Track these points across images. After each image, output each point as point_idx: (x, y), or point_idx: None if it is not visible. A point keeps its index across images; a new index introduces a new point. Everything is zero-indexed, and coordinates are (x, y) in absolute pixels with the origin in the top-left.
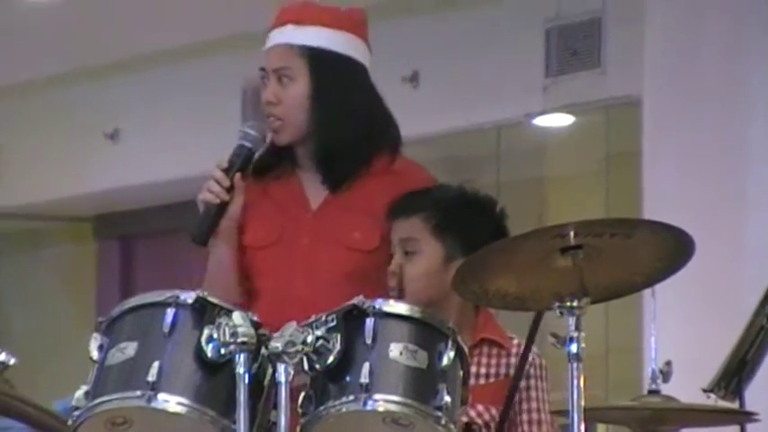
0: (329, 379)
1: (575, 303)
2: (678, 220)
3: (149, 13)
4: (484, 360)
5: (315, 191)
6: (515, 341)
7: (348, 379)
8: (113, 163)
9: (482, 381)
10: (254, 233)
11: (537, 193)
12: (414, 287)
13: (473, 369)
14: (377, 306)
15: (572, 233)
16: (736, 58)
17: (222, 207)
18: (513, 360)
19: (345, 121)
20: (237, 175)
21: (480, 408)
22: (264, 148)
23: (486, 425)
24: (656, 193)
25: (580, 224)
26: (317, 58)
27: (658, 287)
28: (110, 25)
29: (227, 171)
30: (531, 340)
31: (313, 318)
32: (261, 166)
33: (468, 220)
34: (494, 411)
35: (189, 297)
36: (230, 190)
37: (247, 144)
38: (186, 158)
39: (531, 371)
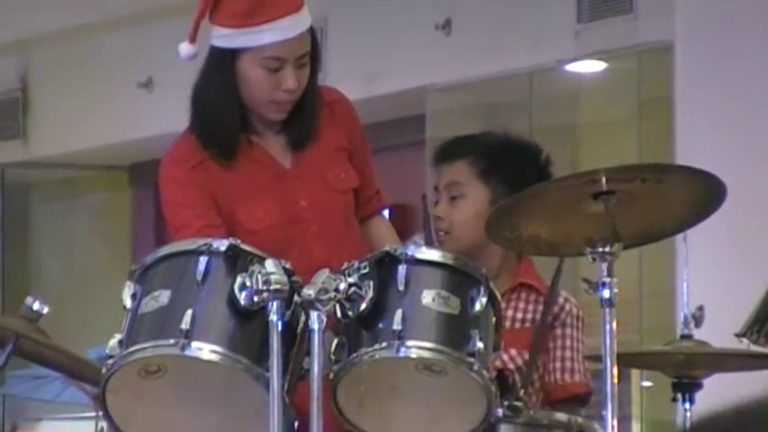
0: (362, 326)
1: (607, 249)
2: (710, 165)
3: None
4: (521, 305)
5: (280, 153)
6: None
7: (381, 326)
8: (148, 112)
9: (517, 325)
10: (249, 216)
11: (569, 139)
12: (459, 231)
13: (509, 313)
14: (409, 253)
15: (604, 179)
16: None
17: None
18: (551, 307)
19: (314, 82)
20: None
21: (513, 352)
22: (226, 129)
23: (518, 369)
24: (688, 139)
25: (612, 170)
26: (314, 37)
27: (690, 232)
28: None
29: None
30: (554, 286)
31: (345, 265)
32: (228, 148)
33: (513, 165)
34: (526, 356)
35: (222, 245)
36: None
37: None
38: None
39: (568, 320)
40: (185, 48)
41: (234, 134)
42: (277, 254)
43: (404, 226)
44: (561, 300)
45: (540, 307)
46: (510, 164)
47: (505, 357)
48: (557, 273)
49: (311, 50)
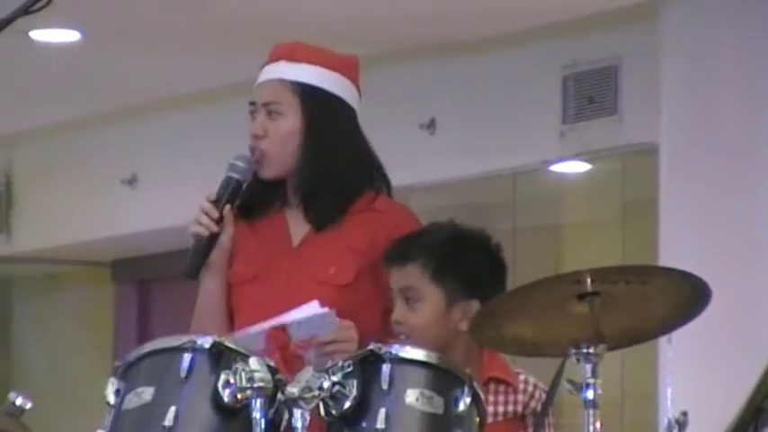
0: (346, 425)
1: (591, 350)
2: (695, 267)
3: (162, 59)
4: (491, 398)
5: (298, 228)
6: (522, 377)
7: (364, 425)
8: (131, 208)
9: (490, 419)
10: (235, 269)
11: (553, 239)
12: (420, 335)
13: None
14: (393, 352)
15: (588, 280)
16: (754, 103)
17: (212, 239)
18: (521, 397)
19: (331, 159)
20: (227, 206)
21: None
22: (253, 185)
23: None
24: (672, 241)
25: (596, 271)
26: (309, 95)
27: (675, 334)
28: (125, 71)
29: (215, 203)
30: (554, 388)
31: (329, 363)
32: (249, 203)
33: (465, 261)
34: None
35: (206, 342)
36: (219, 222)
37: (235, 175)
38: None
39: (539, 408)
40: None
41: (255, 191)
42: (242, 307)
43: None
44: (531, 388)
45: (511, 397)
46: (461, 260)
47: None
48: (557, 374)
49: (303, 110)
